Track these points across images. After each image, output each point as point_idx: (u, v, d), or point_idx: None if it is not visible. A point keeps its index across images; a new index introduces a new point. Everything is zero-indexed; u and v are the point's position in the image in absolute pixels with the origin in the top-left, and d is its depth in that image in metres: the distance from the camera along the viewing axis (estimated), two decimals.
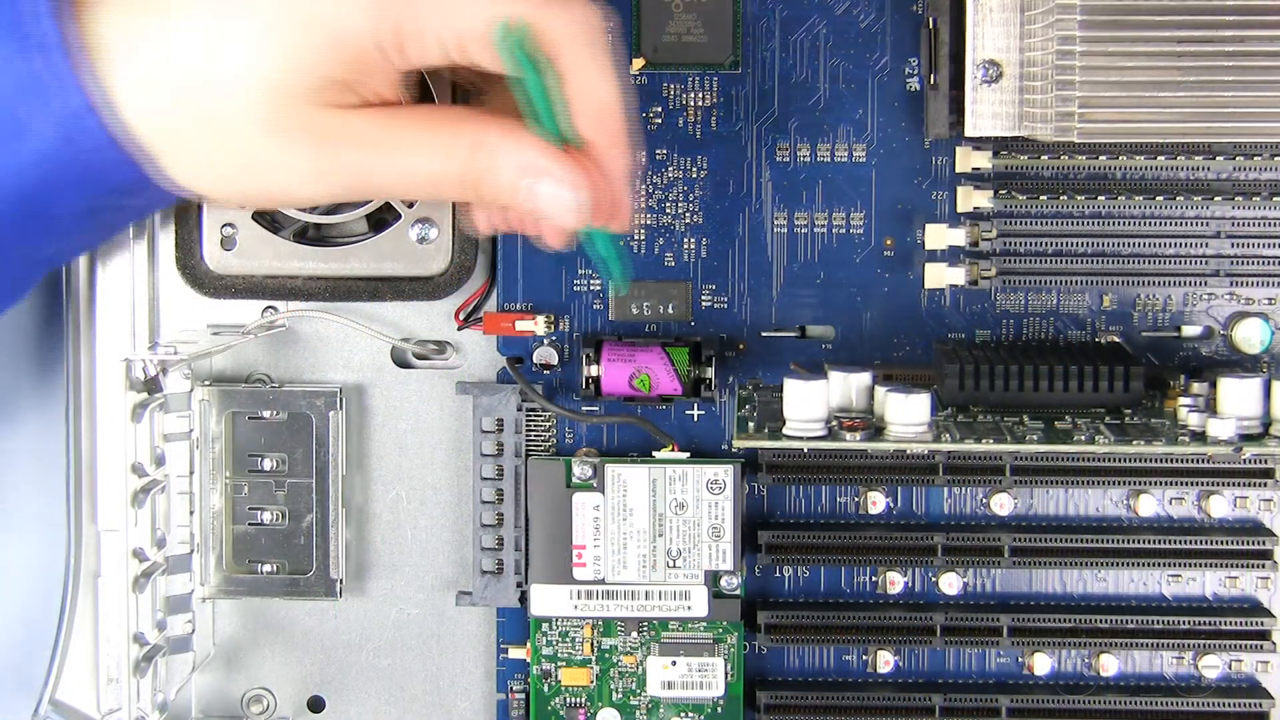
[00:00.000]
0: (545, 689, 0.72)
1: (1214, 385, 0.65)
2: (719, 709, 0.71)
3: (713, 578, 0.71)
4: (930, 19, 0.68)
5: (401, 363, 0.73)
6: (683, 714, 0.71)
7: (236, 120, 0.58)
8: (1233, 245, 0.70)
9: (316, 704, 0.74)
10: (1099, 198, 0.69)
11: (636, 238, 0.71)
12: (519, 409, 0.71)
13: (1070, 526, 0.71)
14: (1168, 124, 0.61)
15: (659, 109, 0.71)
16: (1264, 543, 0.70)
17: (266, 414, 0.72)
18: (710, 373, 0.70)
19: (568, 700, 0.72)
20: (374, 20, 0.57)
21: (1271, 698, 0.71)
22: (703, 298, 0.72)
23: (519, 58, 0.57)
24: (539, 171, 0.58)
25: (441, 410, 0.73)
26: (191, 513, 0.71)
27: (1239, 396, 0.63)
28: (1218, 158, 0.69)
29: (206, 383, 0.72)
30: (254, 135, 0.58)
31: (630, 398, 0.70)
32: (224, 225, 0.70)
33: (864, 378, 0.65)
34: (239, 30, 0.57)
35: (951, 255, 0.71)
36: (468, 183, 0.59)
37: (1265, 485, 0.70)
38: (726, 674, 0.71)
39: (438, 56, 0.58)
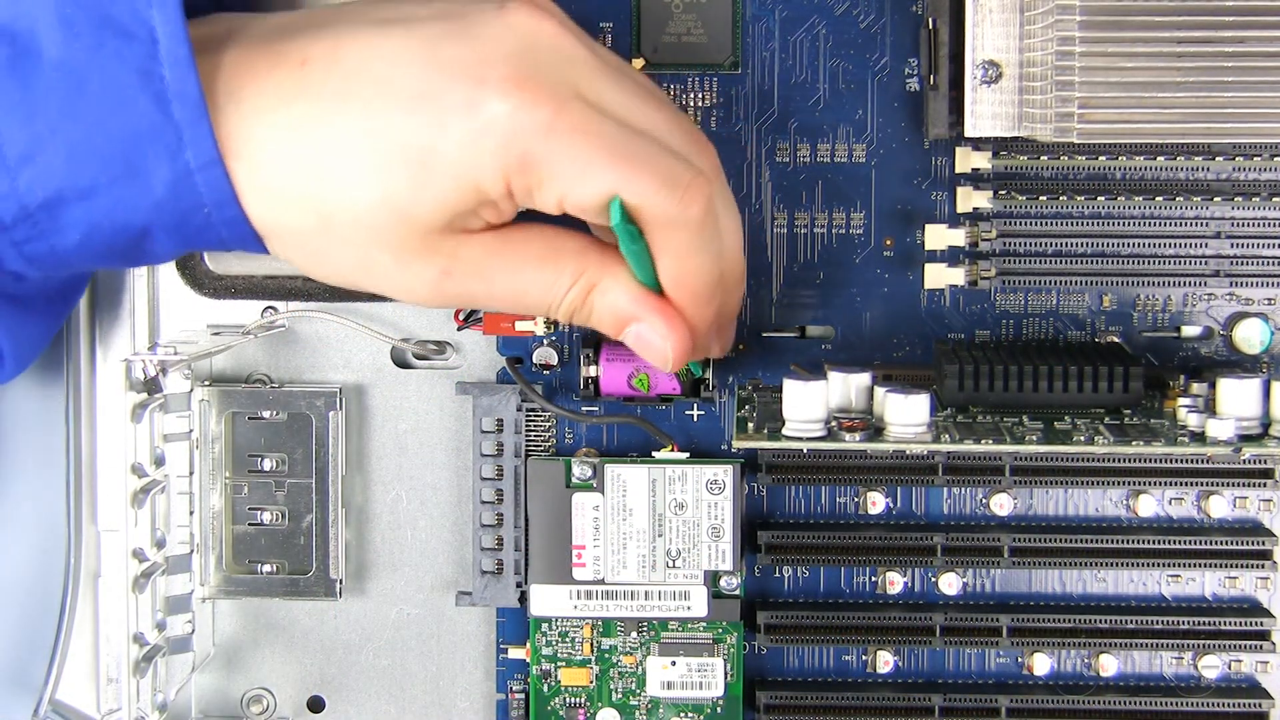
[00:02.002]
0: (545, 689, 0.72)
1: (1213, 386, 0.65)
2: (718, 709, 0.71)
3: (712, 578, 0.71)
4: (930, 19, 0.68)
5: (401, 363, 0.73)
6: (682, 714, 0.71)
7: (360, 237, 0.59)
8: (1232, 245, 0.70)
9: (316, 704, 0.74)
10: (1099, 198, 0.69)
11: None
12: (519, 409, 0.71)
13: (1070, 527, 0.71)
14: (1168, 124, 0.61)
15: None
16: (1263, 543, 0.70)
17: (266, 414, 0.72)
18: (709, 373, 0.70)
19: (567, 700, 0.72)
20: (508, 177, 0.58)
21: (1271, 698, 0.71)
22: None
23: (623, 230, 0.59)
24: (633, 318, 0.62)
25: (441, 410, 0.73)
26: (191, 513, 0.71)
27: (1238, 397, 0.63)
28: (1218, 158, 0.69)
29: (206, 383, 0.72)
30: (376, 253, 0.59)
31: (630, 398, 0.70)
32: None
33: (863, 378, 0.65)
34: (379, 163, 0.58)
35: (951, 255, 0.71)
36: (571, 313, 0.62)
37: (1265, 485, 0.70)
38: (726, 674, 0.71)
39: (554, 209, 0.59)
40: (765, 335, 0.72)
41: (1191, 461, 0.69)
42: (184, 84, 0.56)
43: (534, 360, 0.72)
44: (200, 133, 0.56)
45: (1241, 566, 0.70)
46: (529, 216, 0.61)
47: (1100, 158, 0.69)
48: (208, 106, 0.56)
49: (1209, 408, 0.65)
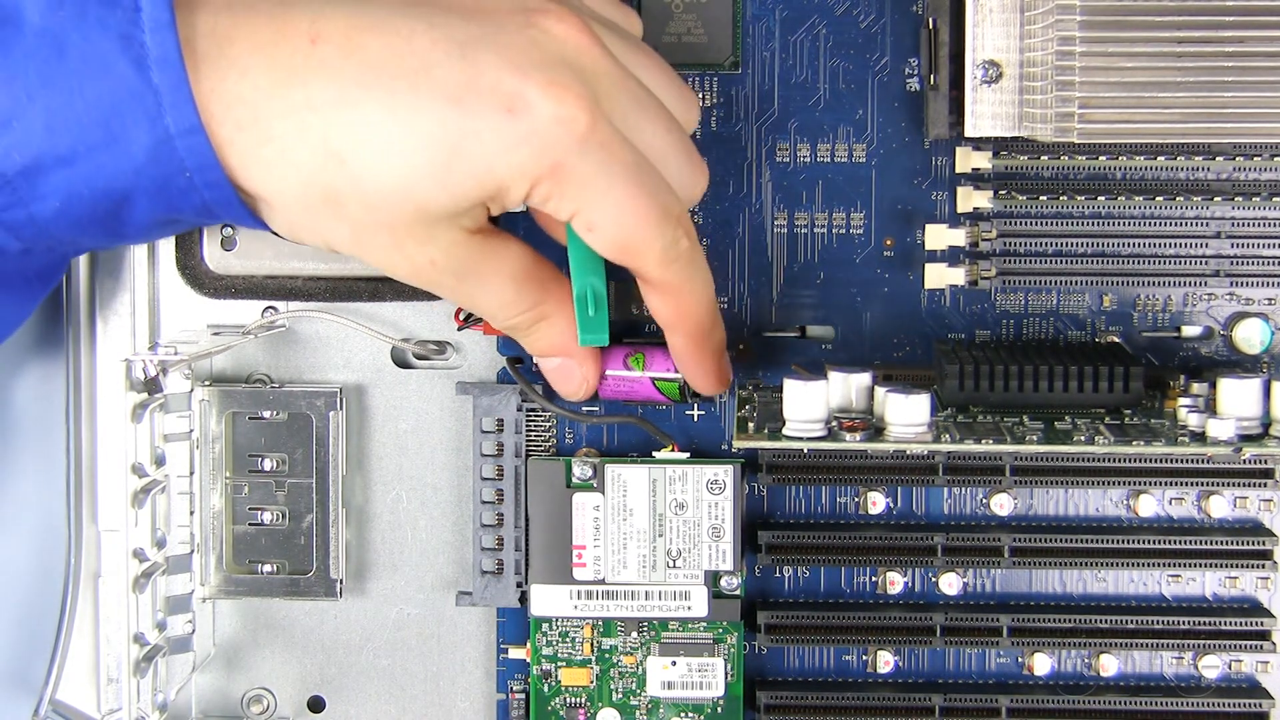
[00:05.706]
0: (545, 689, 0.72)
1: (1214, 385, 0.65)
2: (719, 709, 0.71)
3: (713, 578, 0.71)
4: (930, 19, 0.68)
5: (401, 363, 0.73)
6: (682, 714, 0.71)
7: (365, 218, 0.59)
8: (1233, 245, 0.70)
9: (316, 704, 0.74)
10: (1099, 198, 0.69)
11: None
12: (519, 409, 0.71)
13: (1070, 526, 0.71)
14: (1168, 124, 0.61)
15: None
16: (1264, 543, 0.70)
17: (266, 414, 0.72)
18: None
19: (568, 700, 0.72)
20: (534, 183, 0.58)
21: (1271, 698, 0.71)
22: None
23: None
24: (568, 354, 0.67)
25: (441, 410, 0.73)
26: (191, 513, 0.71)
27: (1239, 397, 0.63)
28: (1218, 158, 0.69)
29: (206, 383, 0.72)
30: (375, 233, 0.59)
31: (629, 399, 0.70)
32: (224, 226, 0.70)
33: (864, 378, 0.65)
34: (405, 152, 0.57)
35: (951, 255, 0.71)
36: (510, 330, 0.65)
37: (1265, 485, 0.70)
38: (726, 674, 0.71)
39: (563, 217, 0.60)
40: (765, 335, 0.72)
41: (1192, 461, 0.69)
42: (164, 49, 0.55)
43: (534, 360, 0.72)
44: (180, 98, 0.56)
45: (1242, 566, 0.70)
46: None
47: (1100, 158, 0.69)
48: (193, 71, 0.56)
49: (1209, 408, 0.65)
